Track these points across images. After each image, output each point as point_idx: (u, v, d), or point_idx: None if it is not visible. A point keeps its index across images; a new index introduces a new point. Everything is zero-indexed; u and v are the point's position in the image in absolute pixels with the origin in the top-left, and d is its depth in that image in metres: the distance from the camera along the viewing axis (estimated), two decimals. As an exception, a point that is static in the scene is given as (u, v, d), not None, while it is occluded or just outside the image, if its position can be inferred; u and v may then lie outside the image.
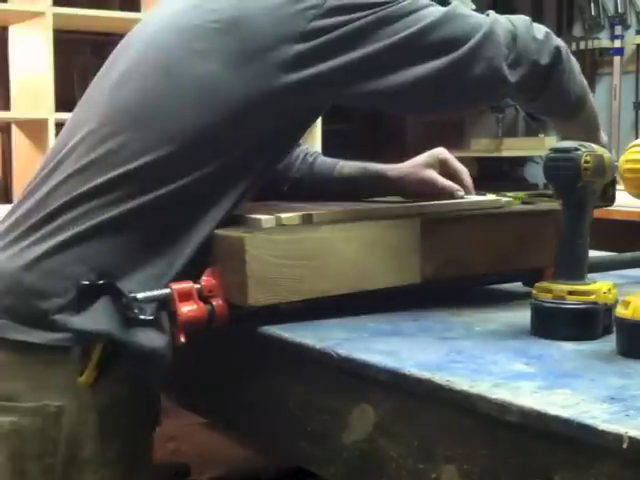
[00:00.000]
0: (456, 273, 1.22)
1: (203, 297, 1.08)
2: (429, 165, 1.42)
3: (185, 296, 1.06)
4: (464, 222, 1.23)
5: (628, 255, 1.45)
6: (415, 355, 0.96)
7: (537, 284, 1.06)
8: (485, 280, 1.30)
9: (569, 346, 0.99)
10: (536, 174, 4.31)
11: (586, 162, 1.02)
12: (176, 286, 1.06)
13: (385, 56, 1.11)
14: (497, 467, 0.82)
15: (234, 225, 1.15)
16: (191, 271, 1.09)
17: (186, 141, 1.09)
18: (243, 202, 1.15)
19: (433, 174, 1.41)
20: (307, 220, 1.14)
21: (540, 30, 1.19)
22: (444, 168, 1.43)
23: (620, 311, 0.94)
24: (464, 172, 1.43)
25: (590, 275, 1.06)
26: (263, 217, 1.13)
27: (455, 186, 1.40)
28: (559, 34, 4.49)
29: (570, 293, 1.02)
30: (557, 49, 1.18)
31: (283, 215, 1.14)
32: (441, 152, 1.44)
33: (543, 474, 0.78)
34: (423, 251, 1.18)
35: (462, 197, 1.38)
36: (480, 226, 1.24)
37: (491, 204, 1.33)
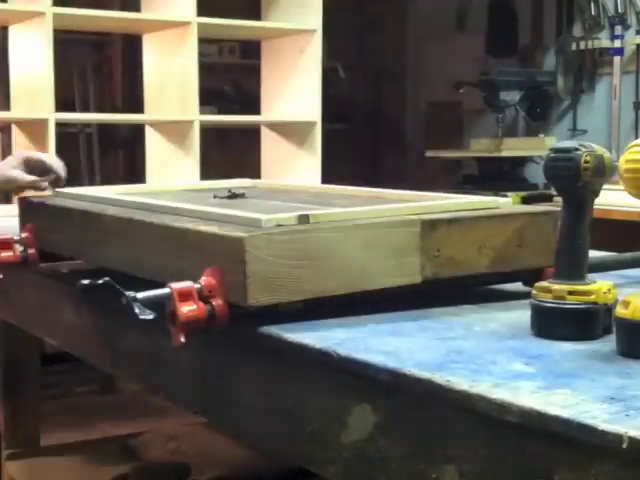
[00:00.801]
0: (456, 273, 1.22)
1: (203, 297, 1.08)
2: (13, 166, 1.72)
3: (185, 296, 1.06)
4: (464, 222, 1.23)
5: (628, 255, 1.45)
6: (415, 355, 0.96)
7: (537, 284, 1.06)
8: (485, 280, 1.30)
9: (569, 346, 0.99)
10: (536, 174, 4.31)
11: (586, 162, 1.02)
12: (176, 286, 1.07)
13: None
14: (497, 467, 0.82)
15: (233, 225, 1.15)
16: None
17: None
18: None
19: (15, 172, 1.71)
20: (305, 220, 1.14)
21: None
22: (29, 164, 1.73)
23: (620, 311, 0.94)
24: (47, 161, 1.75)
25: (590, 275, 1.06)
26: (263, 217, 1.13)
27: (38, 179, 1.73)
28: (559, 34, 4.50)
29: (570, 293, 1.02)
30: None
31: (282, 215, 1.14)
32: (21, 152, 1.78)
33: (543, 474, 0.78)
34: (423, 251, 1.18)
35: (44, 188, 1.74)
36: (480, 226, 1.24)
37: (491, 204, 1.33)
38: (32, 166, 1.76)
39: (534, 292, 1.05)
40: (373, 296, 1.16)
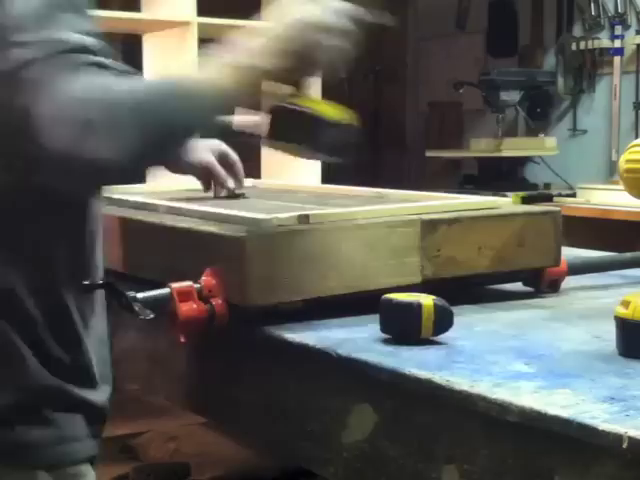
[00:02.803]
0: (456, 273, 1.22)
1: (203, 297, 1.08)
2: (210, 151, 1.49)
3: (185, 296, 1.06)
4: (464, 222, 1.23)
5: (628, 255, 1.45)
6: (415, 355, 0.96)
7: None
8: (485, 280, 1.30)
9: (569, 346, 0.99)
10: (536, 174, 4.30)
11: None
12: (176, 286, 1.07)
13: None
14: (497, 467, 0.82)
15: (233, 225, 1.15)
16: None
17: None
18: None
19: (211, 158, 1.48)
20: (306, 220, 1.14)
21: None
22: (223, 159, 1.50)
23: (620, 311, 0.94)
24: (239, 166, 1.53)
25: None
26: (263, 217, 1.13)
27: (230, 182, 1.50)
28: (559, 34, 4.50)
29: None
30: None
31: (282, 215, 1.14)
32: (222, 144, 1.51)
33: (543, 474, 0.78)
34: (423, 251, 1.18)
35: (231, 189, 1.50)
36: (480, 226, 1.24)
37: (491, 204, 1.33)
38: (225, 164, 1.51)
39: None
40: (373, 296, 1.16)
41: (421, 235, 1.19)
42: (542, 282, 1.30)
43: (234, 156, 1.52)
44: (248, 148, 1.56)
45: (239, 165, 1.54)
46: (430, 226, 1.20)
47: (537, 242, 1.27)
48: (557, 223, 1.28)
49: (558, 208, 1.34)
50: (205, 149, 1.48)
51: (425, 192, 1.59)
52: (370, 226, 1.16)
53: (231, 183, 1.51)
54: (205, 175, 1.51)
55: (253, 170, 3.44)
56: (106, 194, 1.56)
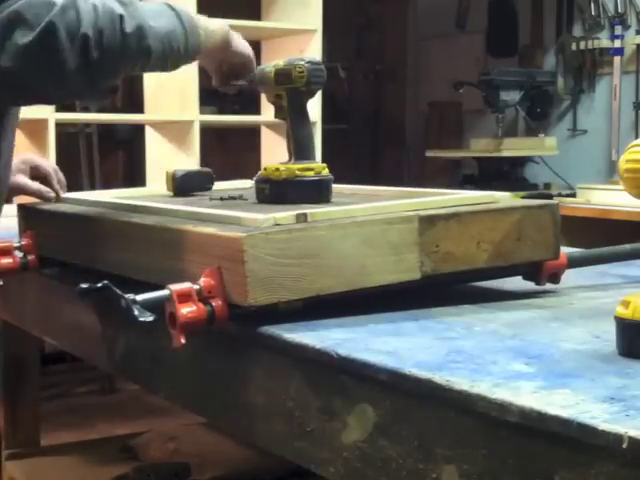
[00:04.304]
0: (455, 268, 1.22)
1: (202, 298, 1.08)
2: (20, 171, 1.65)
3: (184, 297, 1.06)
4: (462, 217, 1.22)
5: (627, 247, 1.44)
6: (415, 355, 0.96)
7: None
8: (484, 275, 1.30)
9: (569, 346, 0.99)
10: (536, 174, 4.31)
11: None
12: (175, 287, 1.06)
13: None
14: (497, 467, 0.82)
15: (231, 225, 1.15)
16: None
17: None
18: None
19: (23, 179, 1.64)
20: (303, 219, 1.14)
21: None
22: (35, 172, 1.68)
23: (620, 311, 0.94)
24: (52, 175, 1.68)
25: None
26: (261, 216, 1.13)
27: (44, 188, 1.65)
28: (559, 34, 4.50)
29: None
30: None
31: (280, 214, 1.14)
32: (32, 158, 1.71)
33: (543, 474, 0.78)
34: (421, 247, 1.18)
35: (51, 199, 1.64)
36: (478, 220, 1.23)
37: (488, 199, 1.32)
38: (37, 174, 1.70)
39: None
40: (373, 293, 1.16)
41: (419, 231, 1.18)
42: (542, 275, 1.30)
43: (46, 167, 1.69)
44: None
45: (53, 175, 1.69)
46: (428, 221, 1.19)
47: (536, 235, 1.27)
48: (555, 216, 1.28)
49: (556, 201, 1.33)
50: (16, 171, 1.64)
51: (423, 189, 1.58)
52: (368, 223, 1.16)
53: (51, 193, 1.65)
54: (19, 194, 1.69)
55: (253, 170, 3.44)
56: (100, 198, 1.56)
